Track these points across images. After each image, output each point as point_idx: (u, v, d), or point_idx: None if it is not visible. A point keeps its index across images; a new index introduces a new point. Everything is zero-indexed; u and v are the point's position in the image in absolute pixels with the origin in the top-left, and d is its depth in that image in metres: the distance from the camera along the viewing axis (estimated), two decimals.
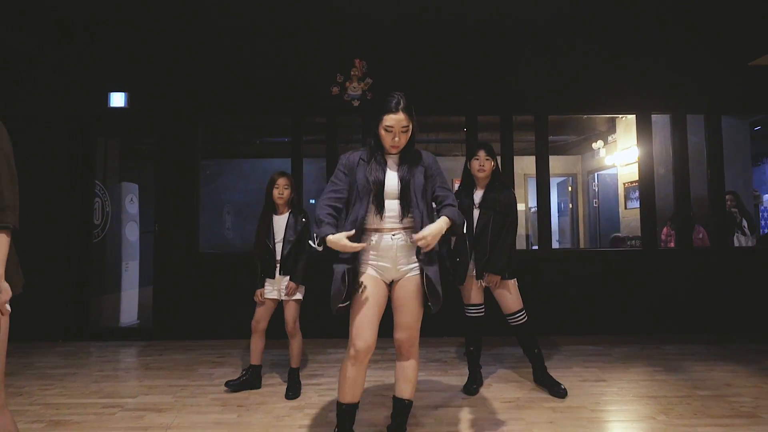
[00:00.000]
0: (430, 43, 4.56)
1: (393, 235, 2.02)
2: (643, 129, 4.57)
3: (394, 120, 1.98)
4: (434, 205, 2.14)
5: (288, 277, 2.91)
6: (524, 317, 2.86)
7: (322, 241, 1.93)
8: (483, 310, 2.92)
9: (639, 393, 2.83)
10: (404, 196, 2.02)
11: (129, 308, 5.36)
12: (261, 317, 2.95)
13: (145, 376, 3.30)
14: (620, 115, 6.53)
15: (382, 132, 2.02)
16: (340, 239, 1.88)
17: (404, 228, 2.04)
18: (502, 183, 2.91)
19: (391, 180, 2.05)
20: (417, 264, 2.05)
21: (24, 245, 4.31)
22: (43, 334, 4.30)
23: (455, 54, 4.57)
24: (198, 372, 3.35)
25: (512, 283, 2.85)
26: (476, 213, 2.84)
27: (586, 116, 6.07)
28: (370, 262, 2.04)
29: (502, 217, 2.82)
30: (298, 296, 2.93)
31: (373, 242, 2.03)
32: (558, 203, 9.39)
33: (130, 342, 4.33)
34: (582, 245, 7.95)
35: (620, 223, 6.87)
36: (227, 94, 4.58)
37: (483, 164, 2.84)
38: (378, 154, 2.07)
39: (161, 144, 4.55)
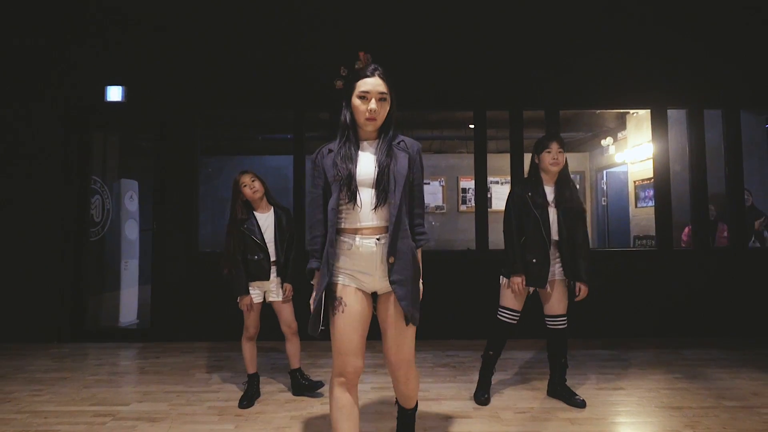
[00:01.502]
0: (438, 36, 4.39)
1: (378, 239, 1.69)
2: (659, 125, 4.39)
3: (370, 84, 1.68)
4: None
5: (278, 279, 2.76)
6: (565, 323, 2.68)
7: (311, 274, 1.79)
8: (519, 317, 2.70)
9: (661, 403, 2.67)
10: (380, 182, 1.67)
11: (128, 307, 5.23)
12: (253, 324, 2.78)
13: (140, 381, 3.16)
14: (631, 111, 6.35)
15: (356, 102, 1.68)
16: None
17: (387, 227, 1.69)
18: (569, 178, 2.70)
19: (367, 167, 1.70)
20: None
21: (18, 242, 4.21)
22: (37, 335, 4.17)
23: (463, 48, 4.40)
24: (195, 377, 3.20)
25: (586, 290, 2.66)
26: (552, 212, 2.62)
27: (598, 112, 5.89)
28: (347, 271, 1.72)
29: (579, 216, 2.65)
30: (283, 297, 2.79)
31: (351, 247, 1.70)
32: None
33: (127, 343, 4.20)
34: (591, 245, 7.78)
35: (630, 223, 6.69)
36: (227, 88, 4.42)
37: (556, 157, 2.61)
38: (350, 135, 1.73)
39: (159, 139, 4.40)
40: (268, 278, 2.75)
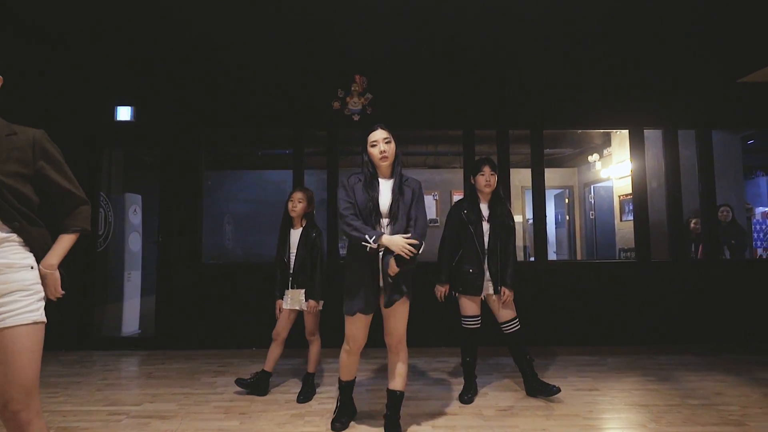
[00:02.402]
0: (429, 59, 4.69)
1: (380, 250, 2.29)
2: (636, 144, 4.69)
3: (377, 135, 2.38)
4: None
5: (302, 290, 3.02)
6: (518, 325, 2.97)
7: (377, 240, 2.25)
8: (480, 321, 3.01)
9: (631, 402, 2.91)
10: (392, 211, 2.35)
11: (131, 318, 5.41)
12: (282, 328, 3.06)
13: (148, 384, 3.37)
14: (615, 130, 6.66)
15: (370, 149, 2.38)
16: (396, 239, 2.26)
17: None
18: (501, 196, 3.05)
19: (384, 199, 2.37)
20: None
21: None
22: (47, 343, 4.34)
23: (453, 70, 4.70)
24: (200, 381, 3.41)
25: (510, 293, 2.97)
26: (485, 226, 2.95)
27: (581, 131, 6.19)
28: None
29: (509, 230, 2.98)
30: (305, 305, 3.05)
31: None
32: (555, 215, 9.50)
33: (132, 351, 4.40)
34: (579, 257, 8.04)
35: (615, 235, 6.97)
36: (230, 108, 4.70)
37: (489, 179, 2.96)
38: (374, 176, 2.39)
39: (165, 156, 4.66)
40: (288, 288, 3.05)
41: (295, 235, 3.09)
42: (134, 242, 5.63)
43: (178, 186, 4.62)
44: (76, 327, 4.48)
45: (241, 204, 8.66)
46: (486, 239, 2.94)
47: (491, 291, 2.96)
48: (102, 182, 5.02)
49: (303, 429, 2.52)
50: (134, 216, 5.69)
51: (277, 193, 7.42)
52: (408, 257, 2.23)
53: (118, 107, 4.67)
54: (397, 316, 2.39)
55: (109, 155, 5.22)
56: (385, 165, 2.39)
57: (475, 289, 2.92)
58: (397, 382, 2.43)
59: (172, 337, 4.45)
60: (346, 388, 2.59)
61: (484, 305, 3.02)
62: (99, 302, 4.93)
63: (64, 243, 1.76)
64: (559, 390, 2.88)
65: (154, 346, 4.45)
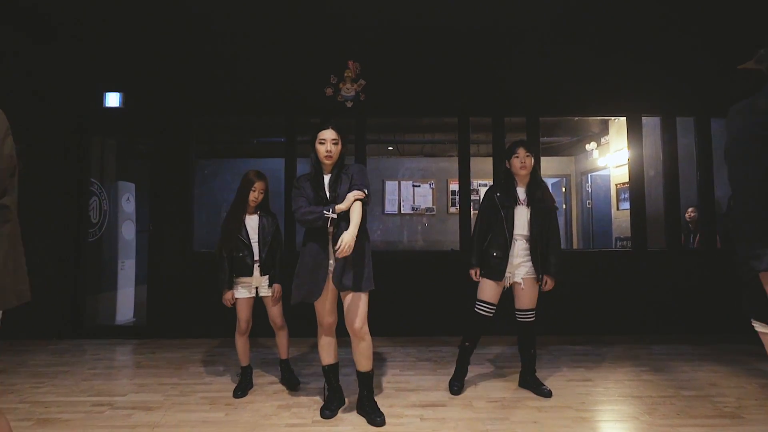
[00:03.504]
0: (423, 46, 4.59)
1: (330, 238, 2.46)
2: (634, 131, 4.60)
3: (326, 134, 2.48)
4: None
5: (266, 276, 2.94)
6: (533, 316, 2.89)
7: (333, 210, 2.39)
8: (494, 311, 2.88)
9: (624, 393, 2.87)
10: (333, 202, 2.44)
11: (125, 306, 5.38)
12: (246, 318, 2.95)
13: (136, 374, 3.32)
14: (612, 118, 6.57)
15: (318, 146, 2.48)
16: (347, 196, 2.41)
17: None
18: (540, 179, 2.94)
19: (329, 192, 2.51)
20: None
21: None
22: (38, 332, 4.32)
23: (448, 56, 4.60)
24: (189, 370, 3.37)
25: (552, 283, 2.89)
26: (522, 210, 2.84)
27: (577, 118, 6.10)
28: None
29: (551, 214, 2.88)
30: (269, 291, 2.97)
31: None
32: None
33: (123, 340, 4.35)
34: (575, 246, 7.99)
35: (612, 224, 6.91)
36: (221, 95, 4.60)
37: (524, 161, 2.84)
38: (319, 172, 2.52)
39: (156, 143, 4.57)
40: (251, 274, 2.92)
41: (252, 221, 2.96)
42: (128, 231, 5.57)
43: (168, 174, 4.54)
44: (67, 316, 4.44)
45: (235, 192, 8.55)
46: (523, 225, 2.83)
47: (518, 279, 2.84)
48: (94, 170, 4.94)
49: (289, 421, 2.47)
50: (128, 204, 5.63)
51: (273, 181, 7.31)
52: (362, 199, 2.40)
53: (107, 93, 4.57)
54: (352, 303, 2.42)
55: (102, 143, 5.13)
56: (328, 164, 2.50)
57: (498, 274, 2.81)
58: (365, 364, 2.48)
59: (164, 325, 4.41)
60: (330, 372, 2.61)
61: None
62: (93, 291, 4.88)
63: None
64: (550, 394, 2.79)
65: (146, 335, 4.41)
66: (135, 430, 2.36)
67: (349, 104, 4.53)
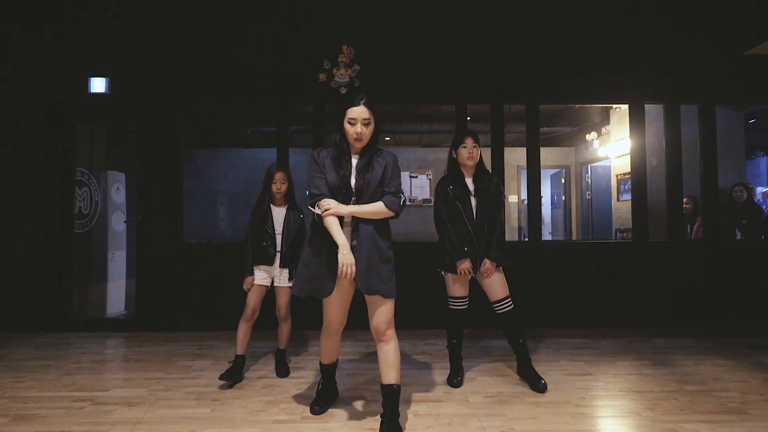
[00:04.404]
0: (420, 30, 4.44)
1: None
2: (636, 119, 4.47)
3: (357, 112, 2.15)
4: None
5: (285, 269, 3.02)
6: (510, 304, 2.79)
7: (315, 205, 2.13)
8: (468, 302, 2.86)
9: (625, 388, 2.77)
10: (359, 190, 2.15)
11: (116, 298, 5.28)
12: (256, 305, 2.97)
13: (122, 368, 3.22)
14: (614, 106, 6.44)
15: (347, 125, 2.17)
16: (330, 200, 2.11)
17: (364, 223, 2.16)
18: (486, 169, 2.90)
19: (355, 181, 2.19)
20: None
21: (1, 234, 4.25)
22: (23, 325, 4.21)
23: (445, 41, 4.45)
24: (176, 364, 3.26)
25: (500, 270, 2.81)
26: (473, 201, 2.79)
27: (578, 106, 5.97)
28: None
29: (496, 204, 2.82)
30: (290, 283, 3.01)
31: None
32: (551, 195, 9.33)
33: (111, 333, 4.24)
34: (575, 237, 7.89)
35: (612, 216, 6.81)
36: (211, 80, 4.45)
37: (471, 152, 2.80)
38: (345, 152, 2.21)
39: (143, 131, 4.43)
40: (271, 264, 3.00)
41: (279, 213, 3.06)
42: (118, 222, 5.45)
43: (157, 162, 4.40)
44: (53, 309, 4.32)
45: (230, 183, 8.44)
46: (475, 215, 2.78)
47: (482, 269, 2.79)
48: (83, 160, 4.80)
49: (277, 417, 2.37)
50: (117, 195, 5.51)
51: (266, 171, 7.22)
52: (318, 216, 2.12)
53: (92, 79, 4.42)
54: (377, 306, 2.17)
55: (90, 131, 4.99)
56: (357, 146, 2.21)
57: (473, 267, 2.76)
58: (391, 375, 2.14)
59: (153, 318, 4.30)
60: (327, 372, 2.48)
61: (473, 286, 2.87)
62: (82, 283, 4.77)
63: None
64: (545, 388, 2.70)
65: (134, 328, 4.30)
66: (115, 427, 2.25)
67: (343, 90, 4.39)
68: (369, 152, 2.22)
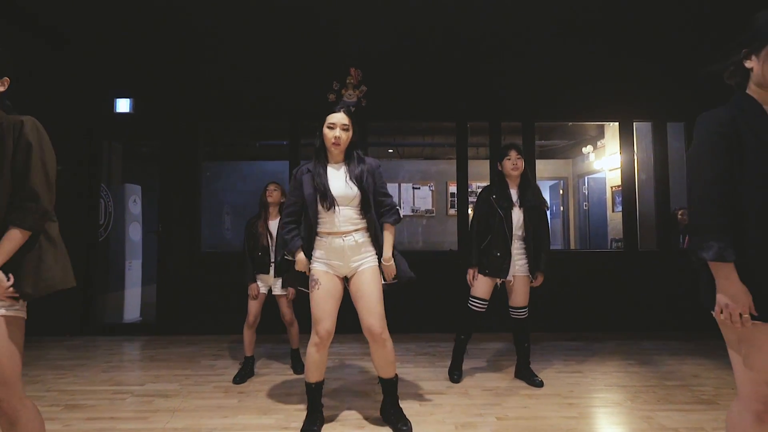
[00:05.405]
0: (423, 53, 4.78)
1: (344, 237, 2.29)
2: (626, 136, 4.79)
3: (336, 118, 2.30)
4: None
5: (280, 279, 3.17)
6: (527, 313, 3.06)
7: (291, 254, 2.35)
8: (486, 306, 3.06)
9: (611, 383, 3.06)
10: (364, 201, 2.30)
11: (132, 305, 5.55)
12: (255, 312, 3.22)
13: (151, 366, 3.51)
14: (606, 123, 6.75)
15: (326, 130, 2.30)
16: (301, 258, 2.32)
17: (356, 230, 2.31)
18: (530, 180, 3.11)
19: (336, 184, 2.30)
20: (367, 257, 2.33)
21: None
22: (51, 329, 4.50)
23: (447, 63, 4.80)
24: (201, 363, 3.56)
25: (529, 280, 3.07)
26: (516, 212, 3.00)
27: (570, 124, 6.29)
28: (321, 260, 2.33)
29: (541, 214, 3.06)
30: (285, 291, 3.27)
31: (325, 244, 2.32)
32: (551, 206, 9.63)
33: (134, 337, 4.54)
34: (572, 246, 8.18)
35: (608, 226, 7.10)
36: (228, 100, 4.80)
37: (515, 163, 2.99)
38: (322, 159, 2.34)
39: (164, 148, 4.76)
40: (267, 273, 3.21)
41: (274, 225, 3.27)
42: (134, 232, 5.75)
43: (176, 177, 4.73)
44: (78, 314, 4.62)
45: (239, 195, 8.75)
46: (517, 224, 2.99)
47: (510, 277, 3.00)
48: (102, 173, 5.13)
49: (297, 406, 2.66)
50: (134, 206, 5.81)
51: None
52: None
53: (117, 99, 4.77)
54: (364, 296, 2.27)
55: (108, 146, 5.32)
56: (336, 152, 2.32)
57: (502, 272, 2.97)
58: (388, 371, 2.32)
59: (173, 323, 4.59)
60: (315, 391, 2.34)
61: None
62: (101, 290, 5.06)
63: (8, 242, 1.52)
64: (541, 384, 2.97)
65: (155, 332, 4.59)
66: (156, 414, 2.55)
67: (352, 110, 4.71)
68: (347, 158, 2.35)
